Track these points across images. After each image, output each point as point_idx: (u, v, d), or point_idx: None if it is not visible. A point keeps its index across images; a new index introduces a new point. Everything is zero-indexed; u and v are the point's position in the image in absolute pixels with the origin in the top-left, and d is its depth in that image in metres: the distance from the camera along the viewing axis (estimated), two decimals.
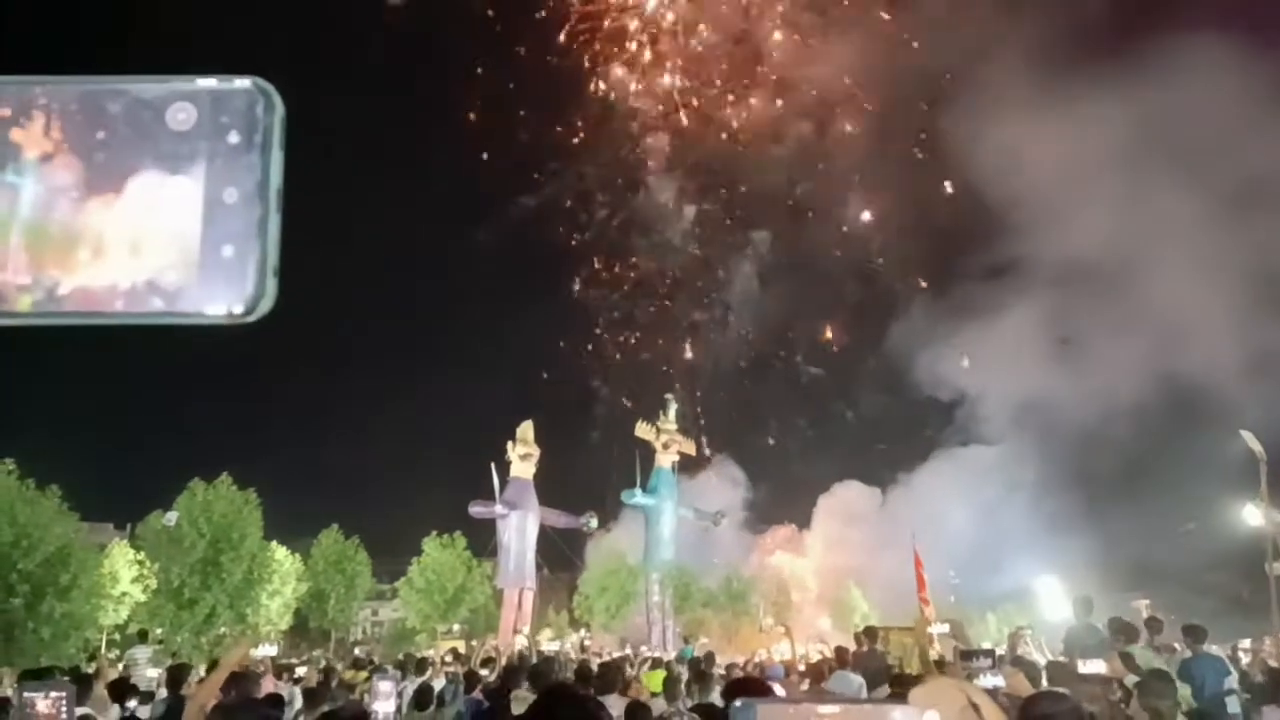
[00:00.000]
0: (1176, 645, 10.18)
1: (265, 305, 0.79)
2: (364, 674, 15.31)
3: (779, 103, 72.03)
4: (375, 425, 73.98)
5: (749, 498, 57.12)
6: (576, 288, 74.47)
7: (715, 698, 7.66)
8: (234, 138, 0.81)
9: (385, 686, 6.05)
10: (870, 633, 13.11)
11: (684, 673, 10.22)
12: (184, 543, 28.75)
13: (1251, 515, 25.45)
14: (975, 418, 56.57)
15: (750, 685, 3.96)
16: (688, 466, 49.32)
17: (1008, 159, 54.23)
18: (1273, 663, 15.34)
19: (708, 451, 59.10)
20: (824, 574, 48.63)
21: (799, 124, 70.39)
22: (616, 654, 22.78)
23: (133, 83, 0.83)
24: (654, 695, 9.17)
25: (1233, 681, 8.05)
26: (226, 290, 0.78)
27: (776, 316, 70.06)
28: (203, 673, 15.84)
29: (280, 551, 32.56)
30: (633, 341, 73.22)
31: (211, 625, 28.99)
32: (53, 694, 4.80)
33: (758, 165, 70.07)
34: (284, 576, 32.23)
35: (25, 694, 5.02)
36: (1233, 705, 7.52)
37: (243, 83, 0.83)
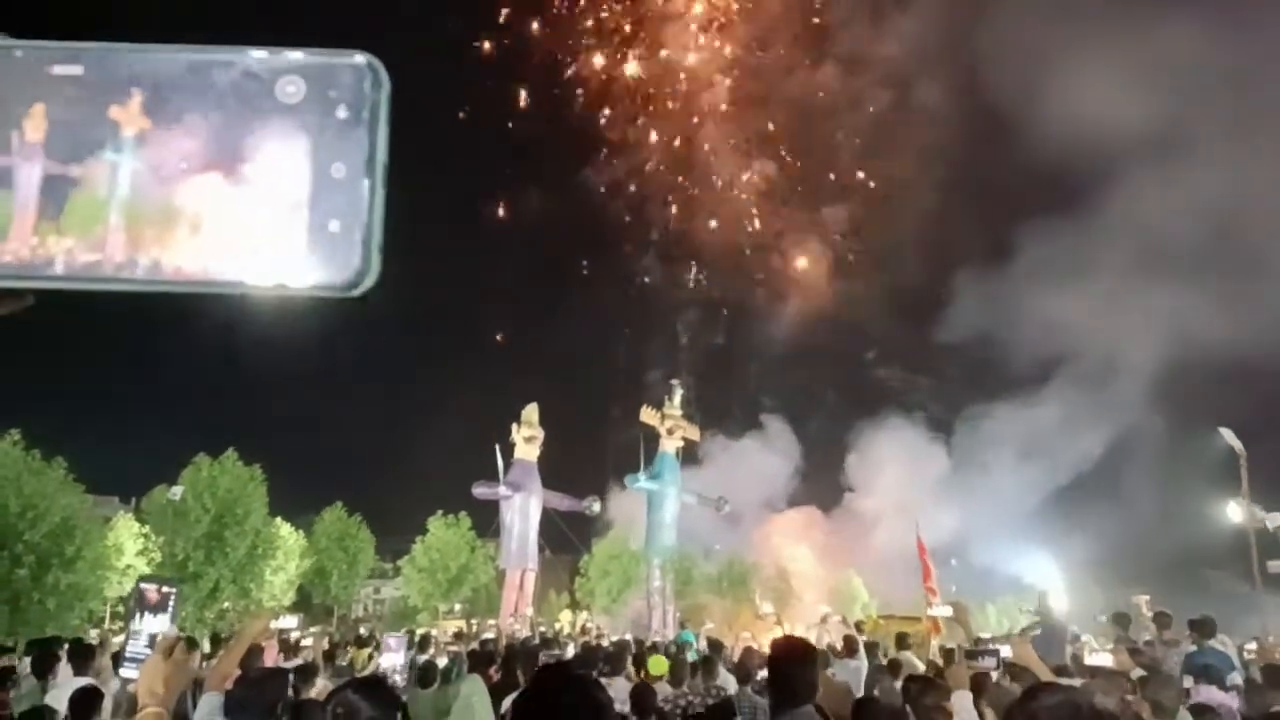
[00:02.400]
0: (1179, 639, 10.16)
1: (370, 280, 0.79)
2: (366, 652, 15.41)
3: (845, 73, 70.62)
4: (383, 405, 74.31)
5: (801, 466, 57.21)
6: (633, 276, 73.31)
7: (722, 682, 7.70)
8: (342, 112, 0.80)
9: (394, 642, 6.10)
10: (849, 644, 12.24)
11: (687, 658, 10.24)
12: (189, 517, 28.86)
13: (1234, 512, 25.60)
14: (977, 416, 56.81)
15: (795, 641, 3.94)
16: (691, 453, 49.32)
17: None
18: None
19: (762, 421, 58.91)
20: (828, 557, 48.64)
21: (871, 95, 68.97)
22: (616, 638, 22.88)
23: (239, 54, 0.81)
24: (657, 679, 9.21)
25: (1238, 676, 8.05)
26: (332, 265, 0.78)
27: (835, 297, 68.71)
28: (207, 647, 15.96)
29: (285, 528, 32.68)
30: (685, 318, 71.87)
31: (215, 600, 29.14)
32: (164, 588, 5.58)
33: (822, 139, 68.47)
34: (288, 553, 32.36)
35: (142, 585, 6.04)
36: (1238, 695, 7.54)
37: (353, 57, 0.82)
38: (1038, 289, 56.49)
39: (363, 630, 29.22)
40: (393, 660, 5.63)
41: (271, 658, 11.38)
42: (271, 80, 0.81)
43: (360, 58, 0.82)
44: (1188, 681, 7.09)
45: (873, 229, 67.36)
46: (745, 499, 52.85)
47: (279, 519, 32.46)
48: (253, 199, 0.78)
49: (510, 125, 74.19)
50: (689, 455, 51.16)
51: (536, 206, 73.53)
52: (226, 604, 29.50)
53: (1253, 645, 18.19)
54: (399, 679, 6.01)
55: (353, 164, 0.80)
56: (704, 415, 56.35)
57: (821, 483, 56.41)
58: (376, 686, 3.34)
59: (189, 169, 0.79)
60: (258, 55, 0.82)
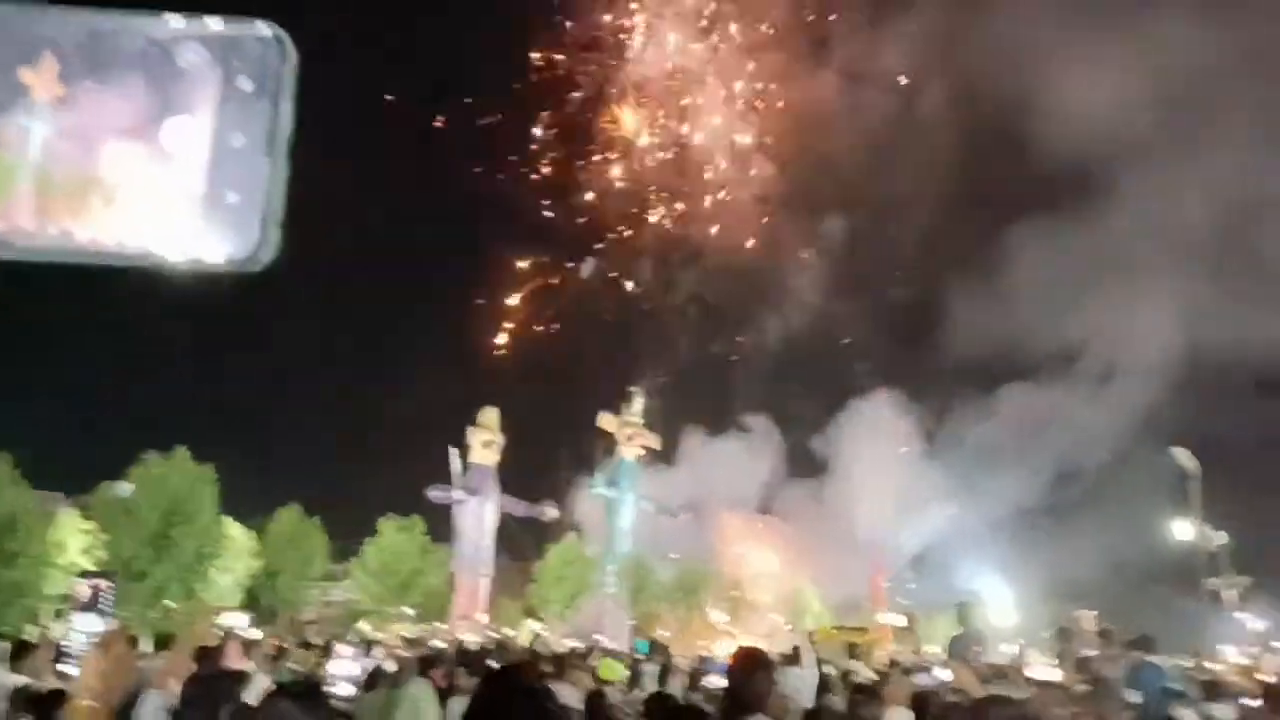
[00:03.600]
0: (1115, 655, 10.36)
1: (266, 255, 0.76)
2: (314, 655, 15.17)
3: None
4: (337, 405, 73.39)
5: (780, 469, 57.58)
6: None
7: (673, 690, 7.72)
8: (245, 83, 0.78)
9: (346, 650, 6.00)
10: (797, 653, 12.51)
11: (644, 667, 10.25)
12: (136, 515, 28.31)
13: (1181, 530, 26.12)
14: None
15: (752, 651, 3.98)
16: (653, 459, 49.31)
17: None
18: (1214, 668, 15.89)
19: (745, 422, 59.10)
20: (787, 567, 48.85)
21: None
22: (570, 645, 22.77)
23: (146, 18, 0.79)
24: (608, 684, 9.20)
25: (1175, 689, 8.27)
26: (229, 237, 0.76)
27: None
28: (149, 648, 15.63)
29: (235, 528, 32.15)
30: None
31: (160, 599, 28.59)
32: (101, 584, 5.31)
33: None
34: (237, 553, 31.84)
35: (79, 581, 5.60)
36: (1175, 708, 7.73)
37: (258, 27, 0.79)
38: (999, 307, 57.42)
39: (310, 634, 28.83)
40: (343, 669, 5.53)
41: (235, 657, 11.16)
42: (175, 47, 0.79)
43: (266, 29, 0.80)
44: (1131, 696, 7.24)
45: (866, 239, 67.70)
46: (721, 499, 53.17)
47: (229, 519, 31.93)
48: (151, 167, 0.76)
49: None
50: (665, 452, 51.34)
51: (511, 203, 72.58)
52: (171, 604, 28.95)
53: (1188, 662, 18.65)
54: (348, 689, 5.90)
55: (254, 136, 0.78)
56: (684, 412, 56.63)
57: (796, 488, 56.68)
58: (311, 694, 3.28)
59: (86, 136, 0.77)
60: (163, 21, 0.79)
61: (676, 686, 8.15)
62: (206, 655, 7.24)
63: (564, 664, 9.00)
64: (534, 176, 70.96)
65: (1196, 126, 56.63)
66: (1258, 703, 8.30)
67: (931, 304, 63.99)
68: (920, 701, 5.15)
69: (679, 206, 72.04)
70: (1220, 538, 25.02)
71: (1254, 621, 33.21)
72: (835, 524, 48.21)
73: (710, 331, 70.87)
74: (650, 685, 8.33)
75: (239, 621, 12.70)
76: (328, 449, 67.95)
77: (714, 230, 70.63)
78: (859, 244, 67.15)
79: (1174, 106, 54.86)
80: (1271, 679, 12.89)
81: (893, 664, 11.47)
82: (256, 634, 18.20)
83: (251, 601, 35.41)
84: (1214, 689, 8.56)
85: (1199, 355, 49.91)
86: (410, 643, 19.65)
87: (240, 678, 4.66)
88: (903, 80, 67.08)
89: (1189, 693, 7.83)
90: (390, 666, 12.07)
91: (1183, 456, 23.66)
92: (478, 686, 2.74)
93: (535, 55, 69.29)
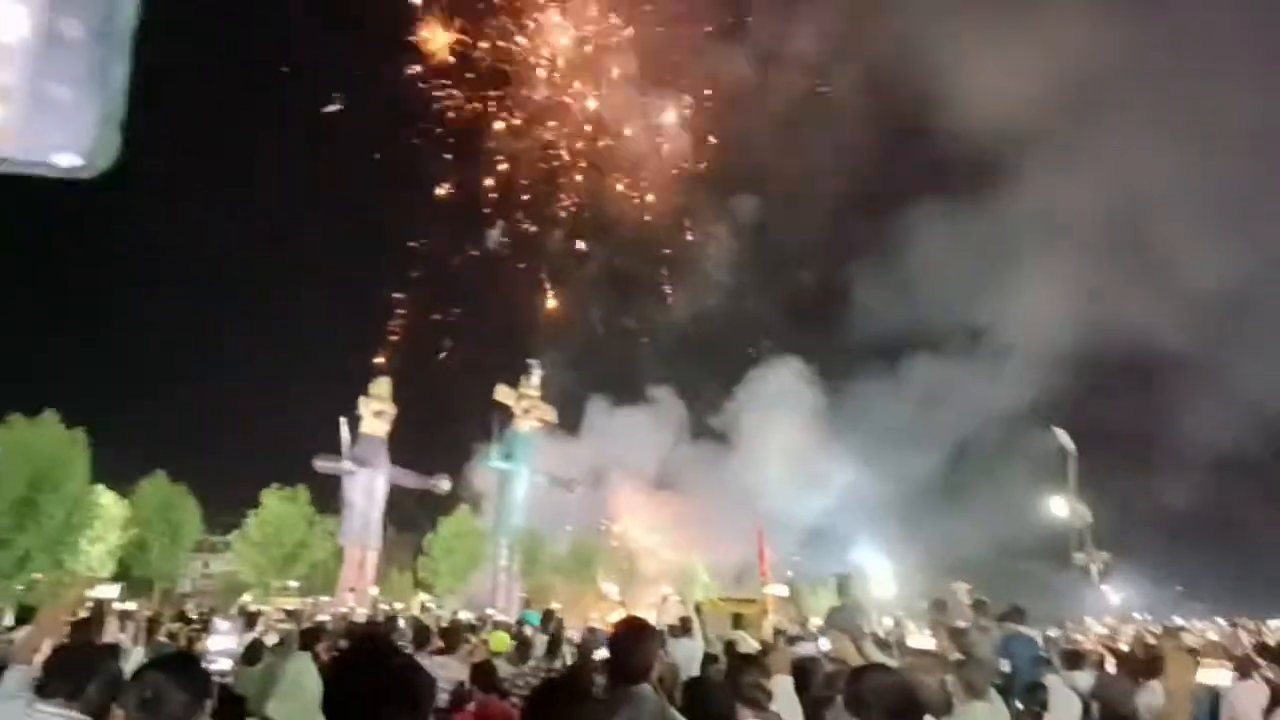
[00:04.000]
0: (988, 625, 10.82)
1: (103, 160, 0.67)
2: (188, 629, 14.62)
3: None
4: (218, 370, 70.65)
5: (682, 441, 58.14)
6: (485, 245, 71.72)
7: (565, 662, 7.72)
8: None
9: (225, 625, 5.76)
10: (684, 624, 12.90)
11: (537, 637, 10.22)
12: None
13: (1058, 507, 27.50)
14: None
15: (633, 620, 3.98)
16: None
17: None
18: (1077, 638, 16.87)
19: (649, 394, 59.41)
20: (681, 540, 49.39)
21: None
22: (461, 618, 22.61)
23: None
24: (496, 656, 9.15)
25: (1044, 657, 8.73)
26: (59, 137, 0.66)
27: None
28: (10, 620, 14.81)
29: (107, 496, 30.64)
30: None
31: (24, 570, 27.11)
32: None
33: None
34: (108, 523, 30.37)
35: None
36: (1043, 676, 8.15)
37: None
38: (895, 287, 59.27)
39: (189, 606, 27.82)
40: (222, 644, 5.29)
41: (113, 632, 10.66)
42: None
43: None
44: (1003, 665, 7.60)
45: (776, 217, 68.76)
46: (622, 470, 53.44)
47: (100, 486, 30.41)
48: None
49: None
50: (570, 423, 51.22)
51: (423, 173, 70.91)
52: (37, 574, 27.50)
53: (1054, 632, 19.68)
54: (226, 664, 5.66)
55: (91, 24, 0.67)
56: (590, 383, 56.61)
57: (696, 460, 57.42)
58: (186, 666, 3.13)
59: None
60: None
61: (566, 658, 8.17)
62: (76, 628, 6.89)
63: (453, 636, 8.91)
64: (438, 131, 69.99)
65: (1090, 118, 59.52)
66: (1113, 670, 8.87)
67: (835, 283, 65.93)
68: (800, 670, 5.27)
69: (581, 178, 72.04)
70: (1087, 515, 26.30)
71: (1114, 594, 35.36)
72: (731, 495, 48.92)
73: (618, 304, 71.29)
74: (540, 656, 8.32)
75: (110, 594, 12.08)
76: (212, 415, 65.55)
77: (627, 203, 71.06)
78: (769, 222, 68.63)
79: (1070, 98, 57.51)
80: (1125, 647, 13.78)
81: (777, 634, 11.73)
82: (130, 606, 17.43)
83: (124, 573, 33.93)
84: (1076, 658, 9.06)
85: (1083, 339, 52.77)
86: (293, 615, 19.18)
87: (111, 651, 4.44)
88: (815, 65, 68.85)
89: (1055, 662, 8.26)
90: (272, 640, 11.77)
91: (1062, 437, 24.68)
92: (340, 657, 2.64)
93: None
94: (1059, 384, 52.13)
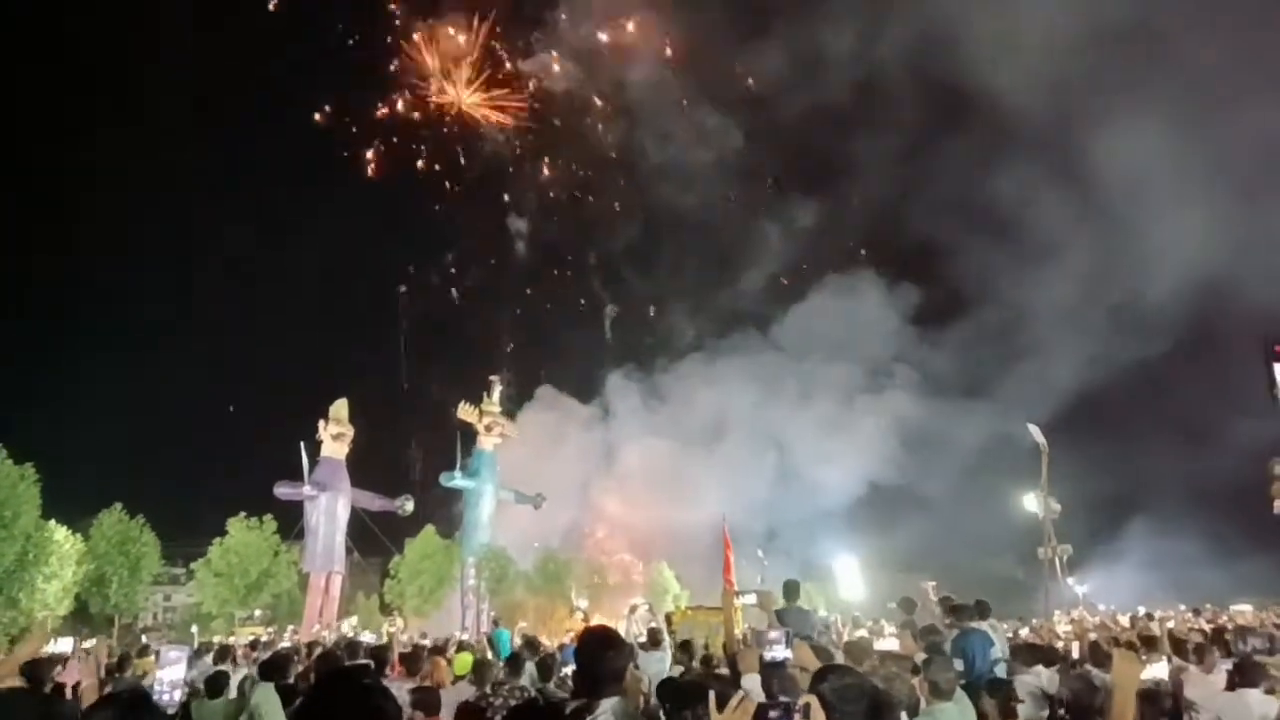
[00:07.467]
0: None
1: None
2: (148, 662, 14.27)
3: None
4: (175, 401, 69.32)
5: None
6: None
7: (526, 682, 7.63)
8: None
9: (174, 654, 5.55)
10: (652, 636, 13.05)
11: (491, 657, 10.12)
12: None
13: (1030, 503, 27.72)
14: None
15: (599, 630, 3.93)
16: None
17: None
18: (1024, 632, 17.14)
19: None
20: (651, 551, 49.08)
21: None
22: (425, 640, 22.33)
23: None
24: (458, 679, 9.04)
25: (997, 652, 8.81)
26: None
27: None
28: None
29: (60, 532, 29.81)
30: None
31: None
32: None
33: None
34: (63, 558, 29.55)
35: None
36: (1000, 671, 8.21)
37: None
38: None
39: (146, 640, 27.19)
40: (172, 674, 5.09)
41: (84, 672, 10.31)
42: None
43: None
44: (957, 663, 7.62)
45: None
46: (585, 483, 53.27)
47: (53, 522, 29.59)
48: None
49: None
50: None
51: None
52: None
53: (1025, 631, 19.86)
54: (178, 695, 5.47)
55: None
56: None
57: (662, 464, 57.30)
58: (138, 707, 3.02)
59: None
60: None
61: (525, 677, 8.09)
62: (34, 668, 6.68)
63: (414, 661, 8.79)
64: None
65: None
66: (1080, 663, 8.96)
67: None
68: (767, 670, 5.29)
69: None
70: (1057, 509, 26.46)
71: (1078, 586, 35.87)
72: (699, 500, 48.83)
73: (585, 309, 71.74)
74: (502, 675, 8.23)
75: (64, 647, 11.66)
76: (174, 447, 64.39)
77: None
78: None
79: None
80: (1090, 639, 13.95)
81: (744, 639, 11.76)
82: (86, 645, 16.91)
83: (82, 609, 33.05)
84: (1038, 652, 9.14)
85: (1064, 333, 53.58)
86: (258, 646, 18.83)
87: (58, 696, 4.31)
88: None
89: (1018, 656, 8.31)
90: (233, 670, 11.53)
91: (1035, 433, 24.70)
92: (312, 685, 2.61)
93: None
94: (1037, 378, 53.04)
